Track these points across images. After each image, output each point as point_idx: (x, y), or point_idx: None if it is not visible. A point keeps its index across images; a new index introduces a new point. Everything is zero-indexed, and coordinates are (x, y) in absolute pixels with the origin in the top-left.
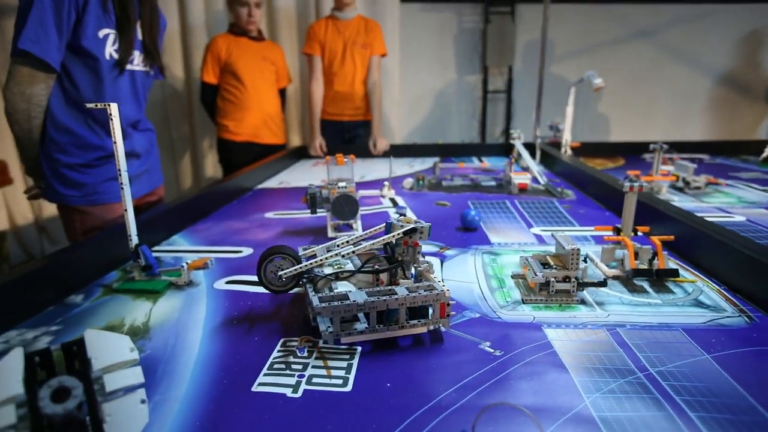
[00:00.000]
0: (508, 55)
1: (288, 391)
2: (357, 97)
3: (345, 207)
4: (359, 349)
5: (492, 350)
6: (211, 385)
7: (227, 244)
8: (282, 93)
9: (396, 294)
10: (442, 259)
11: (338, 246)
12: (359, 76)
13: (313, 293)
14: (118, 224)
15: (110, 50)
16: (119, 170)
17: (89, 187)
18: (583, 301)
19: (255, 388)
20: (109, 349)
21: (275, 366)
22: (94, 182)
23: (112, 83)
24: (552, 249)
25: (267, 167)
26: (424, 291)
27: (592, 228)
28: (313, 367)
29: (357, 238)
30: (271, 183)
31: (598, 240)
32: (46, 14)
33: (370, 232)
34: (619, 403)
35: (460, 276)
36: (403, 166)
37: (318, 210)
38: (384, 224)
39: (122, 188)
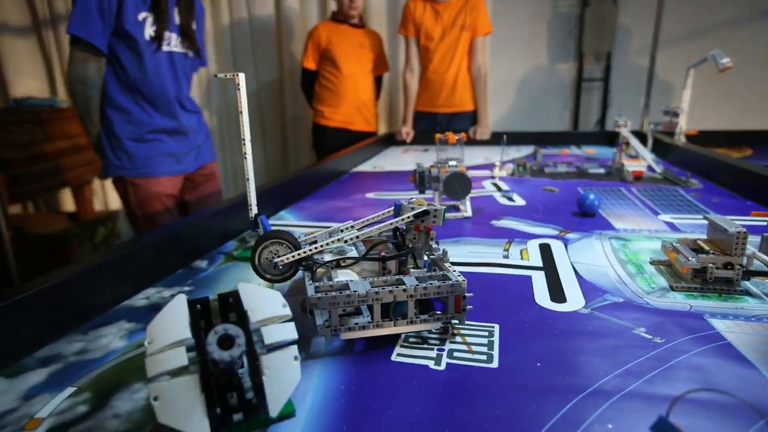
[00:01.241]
0: (607, 40)
1: (430, 363)
2: (452, 87)
3: (457, 185)
4: (497, 326)
5: (650, 336)
6: (346, 351)
7: (334, 221)
8: (378, 80)
9: (404, 284)
10: (565, 243)
11: (342, 231)
12: (456, 63)
13: (310, 282)
14: (168, 196)
15: (149, 32)
16: (243, 140)
17: (140, 161)
18: (748, 293)
19: (394, 358)
20: (263, 303)
21: (410, 339)
22: (144, 156)
23: (153, 64)
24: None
25: (359, 152)
26: (437, 281)
27: (739, 216)
28: (452, 342)
29: (362, 222)
30: (365, 167)
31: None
32: (90, 1)
33: (377, 216)
34: None
35: (589, 259)
36: (497, 154)
37: (426, 190)
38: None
39: (245, 158)
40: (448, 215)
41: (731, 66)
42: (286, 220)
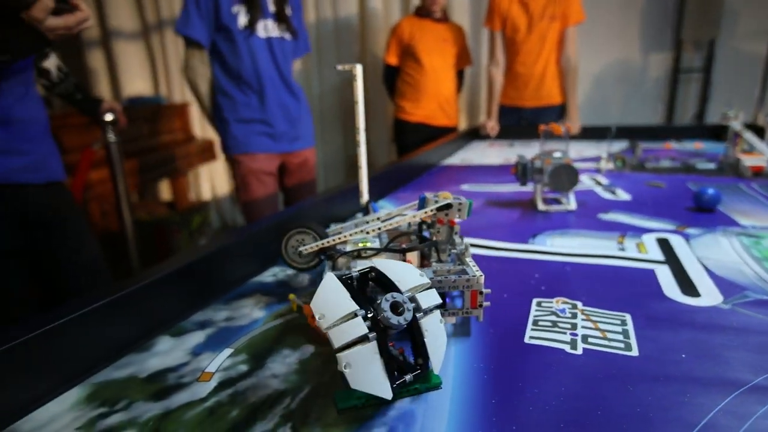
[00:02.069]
0: (711, 26)
1: (566, 347)
2: (540, 80)
3: (565, 177)
4: (628, 315)
5: None
6: (477, 332)
7: None
8: (460, 74)
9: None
10: (686, 238)
11: (367, 222)
12: (545, 55)
13: (330, 272)
14: (266, 174)
15: (243, 21)
16: (358, 129)
17: (241, 139)
18: None
19: (527, 341)
20: (405, 274)
21: (540, 323)
22: (244, 135)
23: (249, 51)
24: None
25: (444, 147)
26: (454, 275)
27: None
28: (583, 327)
29: (388, 214)
30: (453, 160)
31: None
32: (191, 3)
33: (404, 208)
34: None
35: (718, 256)
36: (588, 148)
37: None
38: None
39: (359, 147)
40: (552, 208)
41: None
42: (386, 209)
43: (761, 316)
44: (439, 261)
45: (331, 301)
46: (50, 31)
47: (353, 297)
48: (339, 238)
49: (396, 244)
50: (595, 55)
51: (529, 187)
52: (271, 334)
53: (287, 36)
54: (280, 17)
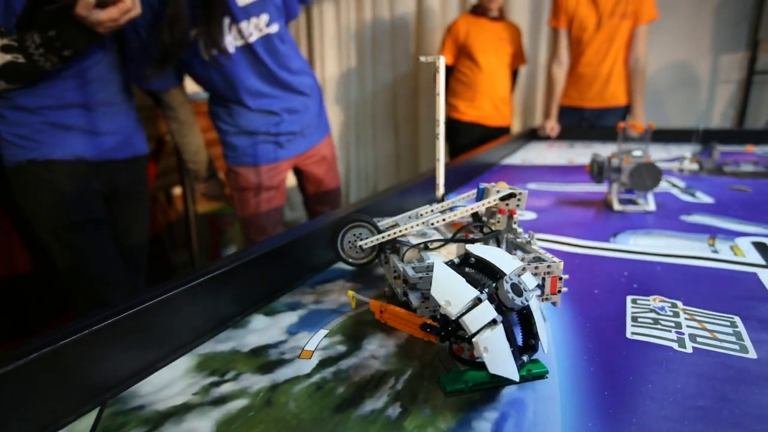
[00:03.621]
0: None
1: (674, 345)
2: (606, 81)
3: (646, 176)
4: (737, 317)
5: None
6: (574, 326)
7: None
8: (514, 74)
9: None
10: None
11: (421, 215)
12: (612, 55)
13: (404, 264)
14: (267, 188)
15: (205, 51)
16: (438, 121)
17: (240, 149)
18: None
19: (630, 336)
20: (503, 259)
21: (640, 320)
22: (244, 145)
23: (222, 77)
24: None
25: (502, 147)
26: (531, 263)
27: None
28: (688, 327)
29: (442, 206)
30: (513, 160)
31: None
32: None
33: (460, 199)
34: None
35: None
36: (656, 151)
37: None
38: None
39: (438, 139)
40: (628, 208)
41: None
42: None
43: None
44: None
45: (452, 288)
46: (98, 26)
47: (470, 282)
48: (400, 231)
49: (461, 235)
50: (660, 55)
51: (602, 187)
52: (364, 318)
53: (270, 27)
54: (250, 12)
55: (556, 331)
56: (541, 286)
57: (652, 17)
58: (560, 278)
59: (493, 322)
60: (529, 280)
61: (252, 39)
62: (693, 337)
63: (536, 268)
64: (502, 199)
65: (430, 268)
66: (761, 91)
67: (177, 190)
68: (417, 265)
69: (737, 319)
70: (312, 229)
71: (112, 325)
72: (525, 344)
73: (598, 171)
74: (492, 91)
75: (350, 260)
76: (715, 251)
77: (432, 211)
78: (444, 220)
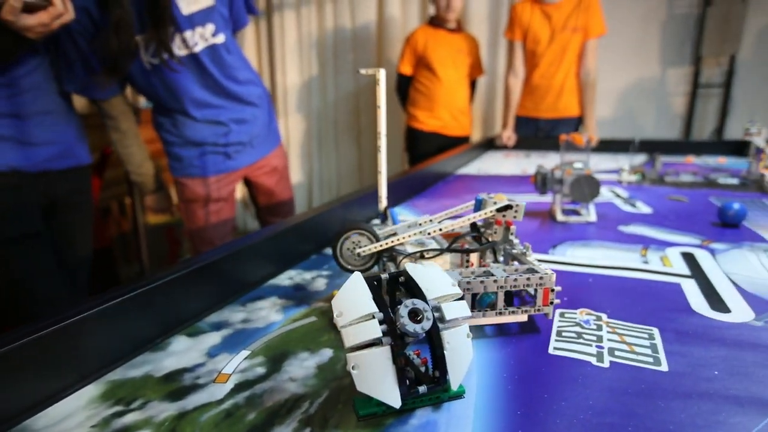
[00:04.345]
0: (731, 42)
1: (592, 360)
2: (559, 92)
3: (585, 188)
4: (656, 329)
5: None
6: (499, 341)
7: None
8: (473, 84)
9: (494, 275)
10: (712, 252)
11: (420, 224)
12: (564, 67)
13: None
14: (215, 201)
15: (147, 59)
16: (379, 134)
17: (186, 161)
18: None
19: (552, 351)
20: (436, 282)
21: (563, 334)
22: (190, 156)
23: (166, 87)
24: None
25: (459, 156)
26: (525, 274)
27: None
28: (609, 340)
29: (440, 216)
30: (469, 170)
31: None
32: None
33: (456, 210)
34: None
35: (747, 272)
36: (606, 160)
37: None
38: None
39: (379, 152)
40: (570, 219)
41: None
42: (402, 215)
43: None
44: (495, 261)
45: (352, 301)
46: (27, 31)
47: (376, 299)
48: (398, 240)
49: (457, 245)
50: (613, 68)
51: (547, 198)
52: (289, 337)
53: (216, 38)
54: (196, 21)
55: (482, 347)
56: (533, 298)
57: (601, 32)
58: (552, 290)
59: (378, 342)
60: (457, 310)
61: (197, 49)
62: (612, 351)
63: (528, 279)
64: (499, 210)
65: None
66: (705, 103)
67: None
68: (371, 274)
69: (655, 331)
70: (246, 244)
71: (5, 354)
72: (426, 375)
73: (541, 182)
74: (451, 102)
75: (348, 267)
76: (646, 262)
77: (431, 221)
78: (441, 230)
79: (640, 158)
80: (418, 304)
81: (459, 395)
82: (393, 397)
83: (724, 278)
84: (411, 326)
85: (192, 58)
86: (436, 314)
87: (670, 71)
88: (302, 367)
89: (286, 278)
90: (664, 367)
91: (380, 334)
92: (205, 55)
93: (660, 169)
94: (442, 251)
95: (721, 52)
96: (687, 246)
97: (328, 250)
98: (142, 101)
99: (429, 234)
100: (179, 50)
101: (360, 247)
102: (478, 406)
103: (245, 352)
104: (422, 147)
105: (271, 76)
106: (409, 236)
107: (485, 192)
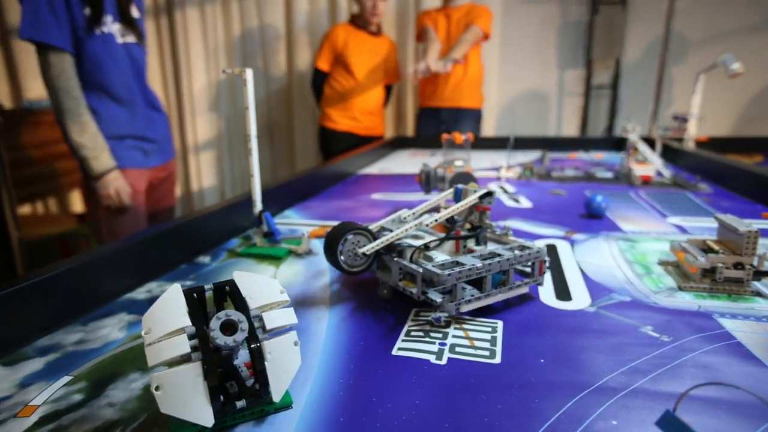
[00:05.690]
0: (616, 46)
1: (431, 358)
2: (457, 82)
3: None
4: (500, 322)
5: (657, 335)
6: (346, 345)
7: (340, 220)
8: (388, 89)
9: (503, 256)
10: (572, 243)
11: (406, 218)
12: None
13: (418, 264)
14: (136, 193)
15: (95, 25)
16: (248, 136)
17: (113, 154)
18: (758, 293)
19: (395, 352)
20: (262, 290)
21: (412, 333)
22: (114, 150)
23: (112, 60)
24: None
25: (366, 155)
26: (521, 251)
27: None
28: (454, 336)
29: (421, 209)
30: (372, 169)
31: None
32: None
33: (434, 202)
34: None
35: (596, 260)
36: (501, 158)
37: (431, 190)
38: (453, 189)
39: (250, 154)
40: None
41: (742, 72)
42: (291, 218)
43: (620, 317)
44: (478, 244)
45: (164, 316)
46: None
47: (193, 312)
48: (397, 235)
49: (452, 233)
50: (515, 71)
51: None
52: (124, 357)
53: (139, 41)
54: (126, 20)
55: (325, 352)
56: (531, 271)
57: (485, 29)
58: (544, 261)
59: (187, 357)
60: (280, 319)
61: (130, 40)
62: (453, 348)
63: (529, 254)
64: (482, 197)
65: (450, 265)
66: (597, 103)
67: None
68: (192, 286)
69: (499, 324)
70: (93, 257)
71: None
72: (247, 389)
73: (425, 180)
74: (365, 103)
75: (352, 269)
76: None
77: (413, 214)
78: (436, 220)
79: (536, 155)
80: (233, 315)
81: (287, 406)
82: (204, 416)
83: (575, 267)
84: (222, 339)
85: (126, 48)
86: (257, 324)
87: (566, 73)
88: (127, 389)
89: (144, 291)
90: (497, 359)
91: (188, 350)
92: (135, 50)
93: (548, 165)
94: (442, 240)
95: (609, 56)
96: (552, 238)
97: (201, 259)
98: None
99: (427, 225)
100: (122, 37)
101: (360, 247)
102: (303, 416)
103: (67, 378)
104: (335, 146)
105: (176, 81)
106: (407, 230)
107: (380, 192)
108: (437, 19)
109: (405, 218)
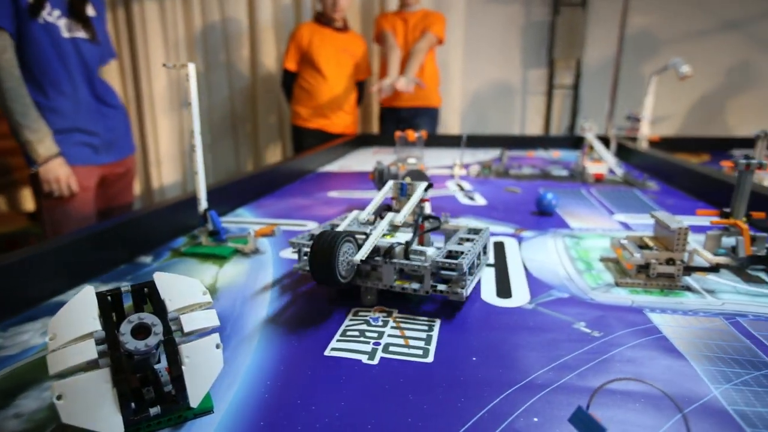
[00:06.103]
0: (577, 47)
1: (363, 358)
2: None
3: None
4: (438, 321)
5: (589, 330)
6: (280, 346)
7: (292, 219)
8: (360, 86)
9: (474, 240)
10: (519, 240)
11: (368, 220)
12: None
13: (430, 254)
14: (84, 189)
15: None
16: (193, 132)
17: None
18: (688, 288)
19: (328, 353)
20: (182, 292)
21: (348, 333)
22: (58, 143)
23: (57, 52)
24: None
25: (328, 152)
26: (475, 234)
27: (693, 215)
28: (390, 336)
29: (372, 207)
30: (332, 167)
31: (695, 229)
32: None
33: (380, 199)
34: (758, 397)
35: (541, 257)
36: (466, 156)
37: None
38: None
39: (194, 151)
40: None
41: (692, 74)
42: (243, 217)
43: (555, 314)
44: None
45: (72, 320)
46: None
47: (105, 316)
48: (377, 236)
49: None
50: (480, 70)
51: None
52: (42, 364)
53: (96, 42)
54: (78, 16)
55: (256, 352)
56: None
57: (437, 34)
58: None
59: (93, 363)
60: (200, 321)
61: (80, 36)
62: (387, 347)
63: (480, 236)
64: (426, 189)
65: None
66: (560, 102)
67: None
68: (109, 289)
69: (437, 323)
70: (20, 257)
71: None
72: (161, 395)
73: (379, 178)
74: (334, 100)
75: (345, 280)
76: None
77: (374, 215)
78: (405, 217)
79: (496, 153)
80: (146, 318)
81: (207, 411)
82: (112, 425)
83: (519, 265)
84: (132, 344)
85: (74, 42)
86: (175, 327)
87: (530, 72)
88: (39, 398)
89: (75, 293)
90: (430, 358)
91: (95, 356)
92: (83, 45)
93: (506, 163)
94: (422, 233)
95: (570, 57)
96: (502, 235)
97: (143, 258)
98: None
99: (399, 223)
100: (69, 31)
101: (351, 255)
102: (222, 421)
103: None
104: (308, 144)
105: (135, 76)
106: (382, 230)
107: (335, 190)
108: (395, 24)
109: (366, 220)
